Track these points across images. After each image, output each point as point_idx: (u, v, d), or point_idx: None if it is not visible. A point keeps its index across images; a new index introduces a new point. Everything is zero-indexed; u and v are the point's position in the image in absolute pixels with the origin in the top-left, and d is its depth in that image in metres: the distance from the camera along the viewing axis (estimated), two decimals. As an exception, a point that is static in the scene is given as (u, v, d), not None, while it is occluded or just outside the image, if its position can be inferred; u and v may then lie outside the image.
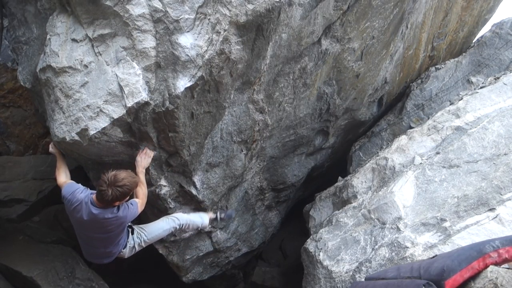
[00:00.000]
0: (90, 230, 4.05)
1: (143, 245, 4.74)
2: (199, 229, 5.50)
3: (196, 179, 5.19)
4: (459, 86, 7.90)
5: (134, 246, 4.61)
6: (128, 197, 3.91)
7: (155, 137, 4.39)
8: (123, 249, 4.47)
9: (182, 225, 5.04)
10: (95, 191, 3.92)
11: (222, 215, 5.62)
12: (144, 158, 4.24)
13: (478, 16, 9.45)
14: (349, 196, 6.14)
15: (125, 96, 3.83)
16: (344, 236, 5.34)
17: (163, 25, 3.82)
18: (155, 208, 5.31)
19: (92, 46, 3.96)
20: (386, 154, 6.10)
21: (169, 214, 5.47)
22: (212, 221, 5.65)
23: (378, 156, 6.42)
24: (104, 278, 6.94)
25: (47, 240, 6.84)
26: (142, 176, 4.20)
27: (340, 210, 5.98)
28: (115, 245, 4.26)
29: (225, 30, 3.96)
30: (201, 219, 5.33)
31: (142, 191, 4.21)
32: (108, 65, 3.90)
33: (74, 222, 4.11)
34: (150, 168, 4.58)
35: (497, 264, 2.52)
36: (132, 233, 4.57)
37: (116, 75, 3.84)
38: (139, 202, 4.15)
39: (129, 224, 4.44)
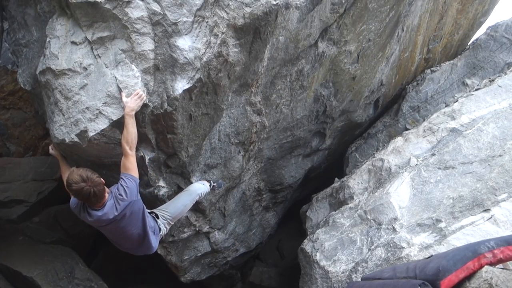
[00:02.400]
0: (117, 223, 3.86)
1: (171, 223, 4.65)
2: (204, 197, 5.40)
3: (194, 180, 5.20)
4: (455, 88, 7.94)
5: (165, 227, 4.52)
6: (102, 181, 3.68)
7: (154, 139, 4.41)
8: (160, 232, 4.40)
9: (200, 194, 4.96)
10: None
11: (215, 184, 5.44)
12: (135, 100, 3.79)
13: (473, 19, 9.48)
14: (345, 197, 6.15)
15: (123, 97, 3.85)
16: (341, 237, 5.36)
17: (161, 28, 3.84)
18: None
19: (92, 48, 3.96)
20: (382, 156, 6.12)
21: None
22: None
23: (374, 157, 6.43)
24: (103, 278, 6.95)
25: (46, 240, 6.86)
26: (128, 119, 3.78)
27: (337, 211, 5.99)
28: (146, 222, 4.04)
29: (223, 33, 3.98)
30: (204, 186, 5.19)
31: (128, 138, 3.79)
32: (107, 67, 3.91)
33: (99, 228, 3.99)
34: (148, 169, 4.59)
35: (492, 264, 2.55)
36: (158, 218, 4.45)
37: (115, 77, 3.85)
38: (126, 164, 3.83)
39: (150, 211, 4.37)
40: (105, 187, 3.73)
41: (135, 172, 3.86)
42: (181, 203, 4.76)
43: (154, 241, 4.26)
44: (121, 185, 3.76)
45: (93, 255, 8.41)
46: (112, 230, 3.95)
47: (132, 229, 3.96)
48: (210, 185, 5.32)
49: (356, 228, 5.31)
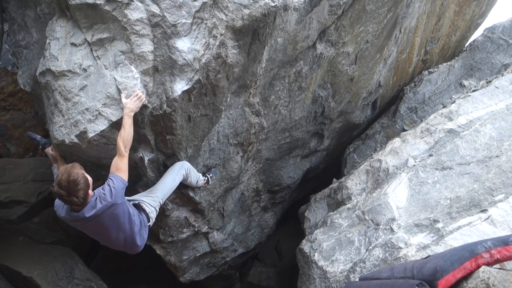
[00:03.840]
0: (100, 227, 3.74)
1: (159, 206, 4.49)
2: (195, 184, 5.14)
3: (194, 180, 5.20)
4: (452, 89, 7.96)
5: (153, 214, 4.34)
6: (89, 181, 3.54)
7: (153, 140, 4.43)
8: (148, 223, 4.21)
9: (187, 170, 4.77)
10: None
11: (210, 175, 5.38)
12: (134, 101, 3.80)
13: (470, 21, 9.50)
14: (343, 198, 6.17)
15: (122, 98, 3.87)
16: (339, 237, 5.38)
17: (160, 30, 3.86)
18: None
19: (91, 50, 3.98)
20: (380, 156, 6.14)
21: (166, 214, 5.50)
22: (205, 184, 5.40)
23: (372, 158, 6.45)
24: (102, 278, 6.97)
25: (46, 241, 6.86)
26: (126, 119, 3.77)
27: (335, 211, 6.00)
28: (132, 225, 3.89)
29: (221, 35, 3.99)
30: (197, 175, 5.08)
31: (123, 138, 3.76)
32: (106, 68, 3.92)
33: (83, 230, 3.87)
34: (148, 169, 4.60)
35: (489, 264, 2.56)
36: (143, 208, 4.22)
37: (115, 78, 3.87)
38: (116, 164, 3.76)
39: (135, 202, 4.21)
40: (89, 190, 3.54)
41: (125, 175, 3.76)
42: (169, 181, 4.58)
43: (142, 238, 4.10)
44: (108, 184, 3.64)
45: (93, 255, 8.42)
46: (91, 230, 3.83)
47: (115, 232, 3.83)
48: (205, 179, 5.30)
49: (354, 228, 5.33)
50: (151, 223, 4.29)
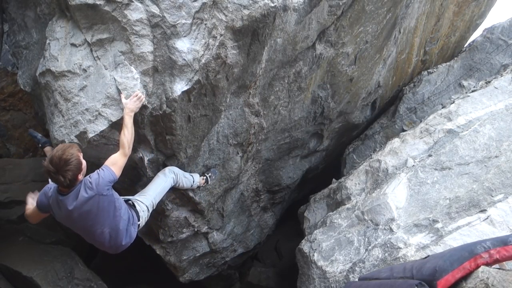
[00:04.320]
0: (84, 220, 3.62)
1: (154, 206, 4.43)
2: (190, 187, 5.14)
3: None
4: (451, 89, 7.97)
5: (147, 212, 4.27)
6: (83, 165, 3.47)
7: (153, 140, 4.44)
8: (138, 221, 4.08)
9: (177, 179, 4.74)
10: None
11: (210, 174, 5.40)
12: (134, 102, 3.81)
13: (469, 21, 9.51)
14: (343, 198, 6.17)
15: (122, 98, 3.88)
16: (338, 237, 5.39)
17: (160, 30, 3.87)
18: (153, 210, 5.33)
19: (91, 50, 4.00)
20: (379, 157, 6.14)
21: (166, 215, 5.51)
22: (204, 184, 5.41)
23: (371, 158, 6.45)
24: (102, 278, 6.97)
25: (46, 241, 6.85)
26: (127, 119, 3.77)
27: (334, 212, 6.01)
28: (118, 219, 3.75)
29: (221, 35, 4.00)
30: (192, 177, 5.05)
31: (126, 138, 3.76)
32: (106, 69, 3.94)
33: (69, 224, 3.76)
34: (147, 170, 4.61)
35: (488, 264, 2.56)
36: (134, 205, 4.15)
37: (114, 79, 3.88)
38: (114, 158, 3.70)
39: (127, 198, 4.17)
40: (79, 175, 3.45)
41: (118, 171, 3.67)
42: (159, 182, 4.55)
43: (129, 236, 3.95)
44: (97, 173, 3.55)
45: (93, 255, 8.43)
46: (76, 224, 3.69)
47: (100, 227, 3.68)
48: (205, 179, 5.30)
49: (353, 228, 5.33)
50: (141, 222, 4.17)
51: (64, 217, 3.64)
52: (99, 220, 3.63)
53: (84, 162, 3.51)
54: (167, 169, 4.71)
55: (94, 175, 3.53)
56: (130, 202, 4.17)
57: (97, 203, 3.53)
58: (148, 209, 4.31)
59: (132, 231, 3.98)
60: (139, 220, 4.11)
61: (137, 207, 4.16)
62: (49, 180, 3.66)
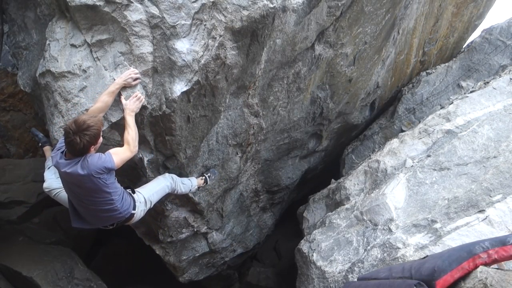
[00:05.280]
0: (72, 184, 3.71)
1: (150, 206, 4.43)
2: (189, 191, 5.15)
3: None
4: (450, 90, 7.98)
5: (144, 205, 4.28)
6: (99, 139, 3.57)
7: (152, 140, 4.44)
8: (133, 210, 4.09)
9: (175, 186, 4.77)
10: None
11: (209, 175, 5.39)
12: (134, 102, 3.87)
13: (468, 22, 9.53)
14: (342, 198, 6.19)
15: (122, 99, 3.89)
16: (337, 237, 5.40)
17: (160, 31, 3.87)
18: (152, 210, 5.34)
19: (91, 51, 4.00)
20: (378, 157, 6.16)
21: (166, 215, 5.52)
22: (204, 184, 5.41)
23: (370, 159, 6.46)
24: (102, 278, 6.99)
25: (46, 241, 6.89)
26: (129, 119, 3.83)
27: (333, 212, 6.02)
28: (105, 203, 3.79)
29: (220, 36, 4.01)
30: (190, 182, 5.07)
31: (130, 136, 3.81)
32: (106, 70, 3.94)
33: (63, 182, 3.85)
34: (147, 170, 4.62)
35: (486, 264, 2.57)
36: (134, 192, 4.21)
37: (114, 79, 3.87)
38: (119, 150, 3.75)
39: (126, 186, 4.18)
40: (93, 147, 3.53)
41: (118, 162, 3.67)
42: (158, 183, 4.59)
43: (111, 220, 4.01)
44: (98, 155, 3.57)
45: (92, 255, 8.44)
46: (73, 189, 3.75)
47: (81, 202, 3.79)
48: (204, 179, 5.31)
49: (352, 228, 5.34)
50: (136, 212, 4.16)
51: (59, 174, 3.75)
52: (82, 196, 3.73)
53: (101, 139, 3.60)
54: (167, 174, 4.76)
55: (93, 157, 3.55)
56: (129, 190, 4.19)
57: (86, 182, 3.57)
58: (145, 202, 4.32)
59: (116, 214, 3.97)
60: (134, 209, 4.11)
61: (135, 196, 4.19)
62: (57, 149, 3.69)
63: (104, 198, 3.74)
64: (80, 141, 3.38)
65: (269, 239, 9.42)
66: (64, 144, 3.60)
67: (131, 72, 3.87)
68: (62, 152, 3.63)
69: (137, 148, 3.87)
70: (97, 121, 3.47)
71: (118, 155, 3.69)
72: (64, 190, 4.18)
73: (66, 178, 3.67)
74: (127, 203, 3.99)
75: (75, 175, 3.53)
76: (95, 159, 3.53)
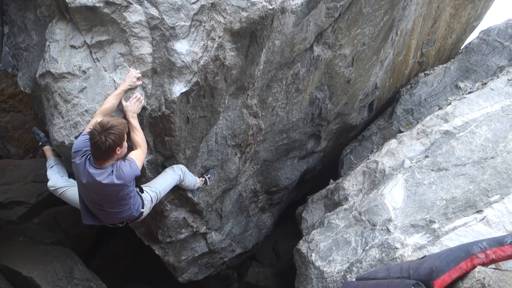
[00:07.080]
0: (93, 192, 3.76)
1: (158, 200, 4.52)
2: (192, 187, 5.19)
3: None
4: (448, 91, 7.99)
5: (151, 203, 4.36)
6: (124, 142, 3.61)
7: (152, 141, 4.45)
8: (142, 209, 4.19)
9: (183, 177, 4.80)
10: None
11: (208, 176, 5.43)
12: (134, 103, 3.89)
13: (466, 23, 9.54)
14: (340, 199, 6.19)
15: (122, 101, 3.90)
16: (336, 237, 5.41)
17: (159, 32, 3.89)
18: (152, 210, 5.34)
19: (90, 52, 4.02)
20: (377, 158, 6.16)
21: (165, 215, 5.53)
22: (203, 185, 5.46)
23: (368, 159, 6.47)
24: (102, 279, 6.99)
25: (46, 241, 6.88)
26: (133, 121, 3.88)
27: (332, 212, 6.03)
28: (123, 205, 3.91)
29: (219, 37, 4.03)
30: (194, 179, 5.12)
31: (140, 137, 3.88)
32: (105, 71, 3.96)
33: (81, 186, 3.84)
34: (146, 170, 4.63)
35: (484, 264, 2.57)
36: (142, 192, 4.28)
37: (114, 80, 3.90)
38: (137, 154, 3.81)
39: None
40: (117, 149, 3.56)
41: (140, 167, 3.80)
42: (167, 178, 4.62)
43: (127, 216, 4.07)
44: (130, 165, 3.65)
45: (92, 255, 8.44)
46: (88, 192, 3.79)
47: (106, 206, 3.86)
48: (203, 181, 5.34)
49: (350, 229, 5.35)
50: (144, 211, 4.26)
51: (84, 182, 3.67)
52: (102, 201, 3.81)
53: (126, 144, 3.65)
54: (175, 166, 4.78)
55: (126, 166, 3.63)
56: (138, 189, 4.26)
57: (119, 191, 3.69)
58: (152, 201, 4.39)
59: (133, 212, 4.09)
60: (143, 208, 4.22)
61: (143, 196, 4.25)
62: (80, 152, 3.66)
63: (125, 201, 3.88)
64: (106, 140, 3.41)
65: (268, 239, 9.42)
66: (80, 150, 3.62)
67: (133, 72, 3.90)
68: (88, 159, 3.61)
69: (146, 148, 3.95)
70: (120, 122, 3.55)
71: (139, 160, 3.79)
72: (70, 189, 4.32)
73: (91, 187, 3.68)
74: (138, 202, 4.11)
75: (110, 185, 3.60)
76: (128, 167, 3.63)
